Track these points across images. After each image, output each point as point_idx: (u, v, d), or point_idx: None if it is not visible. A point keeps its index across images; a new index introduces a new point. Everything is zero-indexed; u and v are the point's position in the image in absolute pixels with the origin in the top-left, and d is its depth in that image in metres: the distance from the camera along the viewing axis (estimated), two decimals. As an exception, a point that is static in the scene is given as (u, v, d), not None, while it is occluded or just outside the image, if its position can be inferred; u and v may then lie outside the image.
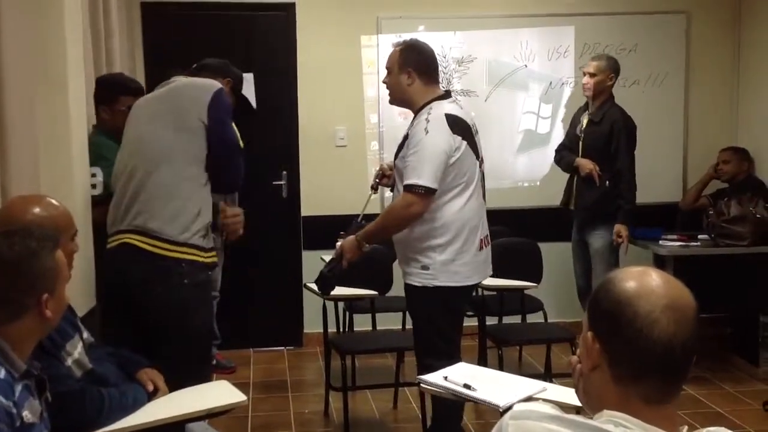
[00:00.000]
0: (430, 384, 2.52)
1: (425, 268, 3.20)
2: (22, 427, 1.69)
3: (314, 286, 4.17)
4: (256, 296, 5.49)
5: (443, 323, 3.27)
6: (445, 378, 2.51)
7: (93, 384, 2.26)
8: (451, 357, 3.18)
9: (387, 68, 3.32)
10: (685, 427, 1.32)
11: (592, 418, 1.33)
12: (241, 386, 4.64)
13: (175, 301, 2.85)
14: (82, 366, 2.29)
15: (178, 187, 2.88)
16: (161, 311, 2.84)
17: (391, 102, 3.40)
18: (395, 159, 3.31)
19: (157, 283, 2.83)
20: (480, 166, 3.28)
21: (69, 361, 2.24)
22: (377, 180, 3.54)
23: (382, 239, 3.38)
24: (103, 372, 2.36)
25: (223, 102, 2.98)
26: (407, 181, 3.11)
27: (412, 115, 3.29)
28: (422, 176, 3.08)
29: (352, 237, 3.29)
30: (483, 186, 3.33)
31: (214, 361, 5.05)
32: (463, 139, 3.14)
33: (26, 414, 1.71)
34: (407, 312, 3.42)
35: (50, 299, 1.80)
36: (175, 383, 2.50)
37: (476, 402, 2.44)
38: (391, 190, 3.45)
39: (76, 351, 2.28)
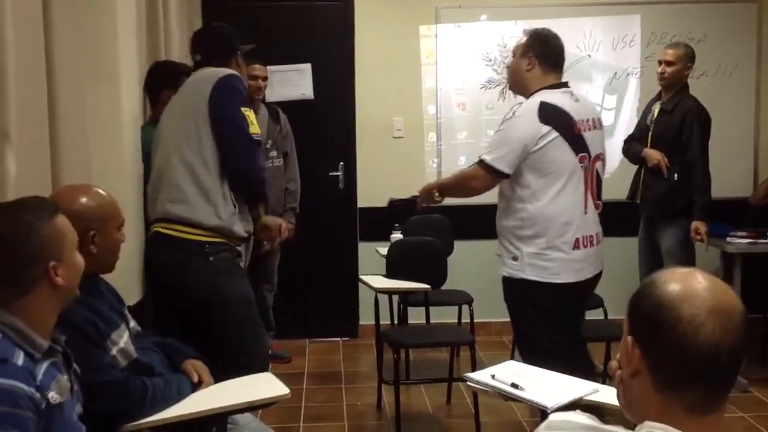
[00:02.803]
0: (477, 382, 2.45)
1: (515, 259, 3.15)
2: (48, 409, 1.68)
3: (368, 279, 4.19)
4: (312, 287, 5.50)
5: (537, 317, 3.15)
6: (493, 376, 2.45)
7: (138, 373, 2.27)
8: (553, 357, 2.92)
9: (512, 51, 3.34)
10: None
11: (634, 427, 1.26)
12: (296, 376, 4.77)
13: (207, 276, 2.98)
14: (127, 355, 2.29)
15: (189, 175, 3.00)
16: (197, 287, 2.97)
17: (510, 87, 3.44)
18: None
19: (184, 264, 2.99)
20: (590, 164, 3.16)
21: (114, 351, 2.25)
22: None
23: (450, 196, 3.49)
24: (149, 361, 2.36)
25: (226, 90, 3.02)
26: (481, 155, 3.18)
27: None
28: (493, 156, 3.11)
29: (430, 183, 3.50)
30: (595, 184, 3.20)
31: (270, 351, 5.08)
32: (555, 129, 3.05)
33: (52, 395, 1.69)
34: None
35: (59, 266, 1.77)
36: (232, 353, 2.73)
37: (523, 402, 2.37)
38: None
39: (121, 340, 2.29)
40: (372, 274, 4.42)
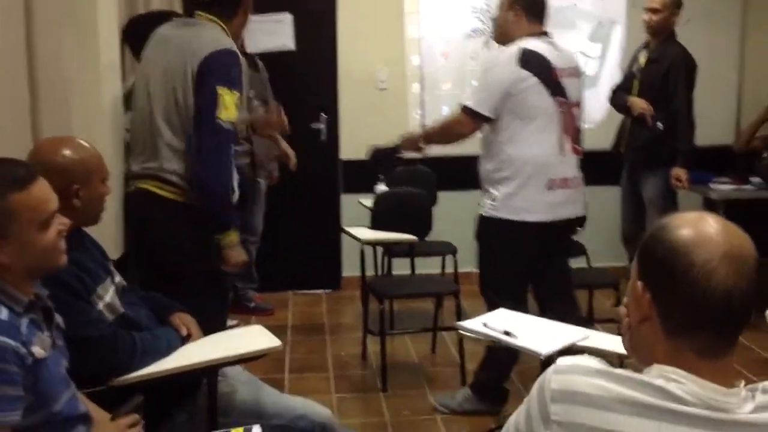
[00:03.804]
0: (469, 330, 2.45)
1: (493, 199, 3.28)
2: (34, 364, 1.65)
3: (353, 231, 4.16)
4: (294, 239, 5.46)
5: (504, 257, 3.31)
6: (485, 324, 2.45)
7: (125, 328, 2.23)
8: (514, 298, 3.21)
9: (498, 5, 3.41)
10: (742, 382, 1.24)
11: (641, 371, 1.25)
12: (279, 328, 4.75)
13: (188, 242, 2.84)
14: (113, 310, 2.25)
15: (178, 143, 2.82)
16: (178, 252, 2.84)
17: (495, 39, 3.50)
18: None
19: (168, 224, 2.84)
20: (567, 109, 3.26)
21: (100, 305, 2.21)
22: None
23: (435, 144, 3.60)
24: (135, 316, 2.32)
25: (209, 69, 2.73)
26: (464, 101, 3.29)
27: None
28: (475, 100, 3.23)
29: (413, 132, 3.62)
30: (573, 130, 3.30)
31: (253, 304, 5.08)
32: (534, 74, 3.16)
33: (36, 349, 1.66)
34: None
35: (3, 243, 1.68)
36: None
37: (517, 349, 2.37)
38: None
39: (107, 295, 2.25)
40: (356, 226, 4.39)
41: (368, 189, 4.80)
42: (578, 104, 3.34)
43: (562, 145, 3.26)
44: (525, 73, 3.15)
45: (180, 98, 2.79)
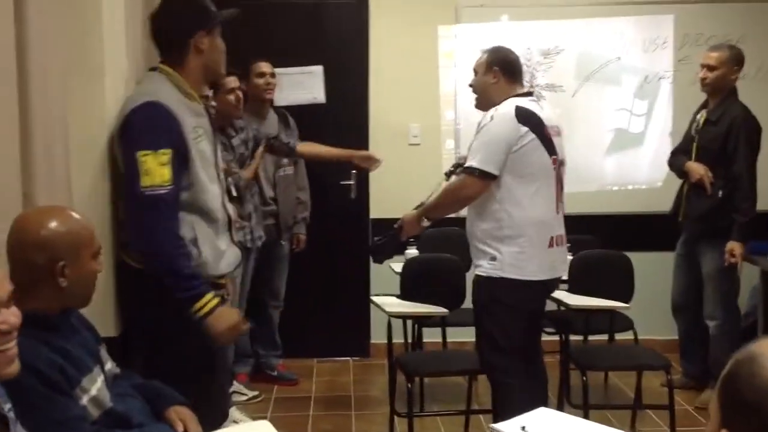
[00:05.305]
0: (505, 436, 2.13)
1: (493, 259, 3.18)
2: None
3: (380, 300, 3.88)
4: (321, 303, 5.18)
5: (506, 318, 3.21)
6: (523, 428, 2.13)
7: (112, 425, 1.98)
8: (517, 357, 3.20)
9: (474, 70, 3.37)
10: None
11: None
12: (302, 401, 4.46)
13: (161, 318, 2.52)
14: (100, 405, 1.99)
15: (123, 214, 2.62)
16: (149, 327, 2.59)
17: (477, 106, 3.39)
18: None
19: (139, 299, 2.59)
20: (558, 167, 3.23)
21: (84, 400, 1.95)
22: (453, 168, 3.58)
23: (440, 216, 3.52)
24: (125, 410, 2.05)
25: (128, 131, 2.51)
26: (466, 163, 3.19)
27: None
28: (479, 159, 3.12)
29: (413, 211, 3.45)
30: (561, 188, 3.27)
31: (276, 372, 4.81)
32: (532, 131, 3.12)
33: None
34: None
35: None
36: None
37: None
38: None
39: (94, 387, 1.99)
40: (384, 294, 4.11)
41: (399, 250, 4.51)
42: (564, 162, 3.31)
43: (557, 203, 3.25)
44: (524, 129, 3.10)
45: (120, 164, 2.58)
